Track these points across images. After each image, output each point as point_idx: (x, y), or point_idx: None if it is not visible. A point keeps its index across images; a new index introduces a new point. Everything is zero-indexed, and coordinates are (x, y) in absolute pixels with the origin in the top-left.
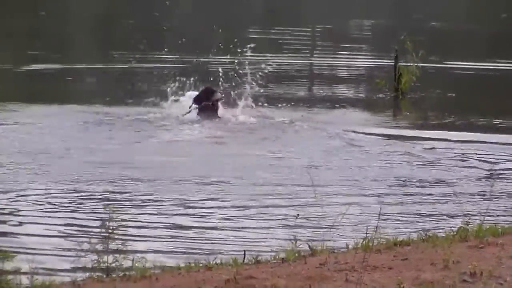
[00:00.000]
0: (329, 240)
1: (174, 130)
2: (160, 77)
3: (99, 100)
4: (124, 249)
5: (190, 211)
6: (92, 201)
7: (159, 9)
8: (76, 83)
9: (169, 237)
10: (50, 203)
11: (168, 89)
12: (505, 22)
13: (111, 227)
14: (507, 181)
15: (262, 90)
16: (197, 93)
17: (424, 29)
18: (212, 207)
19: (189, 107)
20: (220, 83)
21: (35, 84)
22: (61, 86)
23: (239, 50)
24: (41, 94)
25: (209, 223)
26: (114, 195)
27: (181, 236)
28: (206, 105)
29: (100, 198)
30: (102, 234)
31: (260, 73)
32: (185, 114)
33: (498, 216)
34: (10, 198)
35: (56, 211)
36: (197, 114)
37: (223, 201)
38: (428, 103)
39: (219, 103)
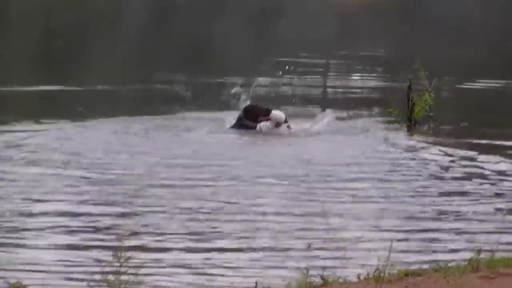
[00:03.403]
0: (342, 268)
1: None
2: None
3: None
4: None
5: (197, 237)
6: None
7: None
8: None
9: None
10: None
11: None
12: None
13: (122, 258)
14: None
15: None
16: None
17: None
18: (219, 236)
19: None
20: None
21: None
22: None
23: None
24: None
25: (220, 251)
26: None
27: (190, 264)
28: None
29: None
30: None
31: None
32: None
33: (510, 246)
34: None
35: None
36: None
37: (227, 232)
38: (440, 133)
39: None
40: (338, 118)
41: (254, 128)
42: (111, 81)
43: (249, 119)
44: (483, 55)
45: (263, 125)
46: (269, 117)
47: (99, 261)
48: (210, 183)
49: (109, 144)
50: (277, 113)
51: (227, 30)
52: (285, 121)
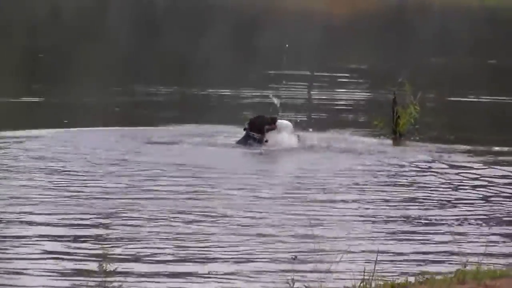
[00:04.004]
0: (328, 280)
1: None
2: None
3: None
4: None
5: (183, 248)
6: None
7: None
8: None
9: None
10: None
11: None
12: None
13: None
14: (505, 223)
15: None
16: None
17: (424, 65)
18: (205, 245)
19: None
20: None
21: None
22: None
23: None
24: None
25: (205, 261)
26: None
27: (175, 274)
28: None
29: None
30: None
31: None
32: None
33: (497, 257)
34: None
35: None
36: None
37: (213, 242)
38: (425, 146)
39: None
40: (323, 131)
41: (261, 141)
42: (95, 93)
43: (255, 131)
44: (467, 68)
45: (271, 135)
46: (275, 125)
47: (83, 272)
48: (196, 194)
49: (94, 154)
50: (284, 121)
51: (211, 44)
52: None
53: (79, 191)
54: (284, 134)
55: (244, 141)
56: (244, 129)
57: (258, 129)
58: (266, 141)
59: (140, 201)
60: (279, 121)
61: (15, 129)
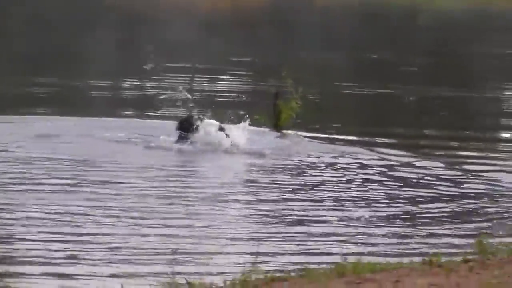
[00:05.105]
0: (208, 274)
1: None
2: None
3: None
4: None
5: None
6: None
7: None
8: None
9: None
10: None
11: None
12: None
13: None
14: (386, 218)
15: None
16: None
17: (306, 60)
18: (91, 247)
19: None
20: None
21: None
22: None
23: None
24: None
25: (87, 264)
26: None
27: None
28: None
29: None
30: None
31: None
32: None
33: (377, 254)
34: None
35: None
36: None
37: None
38: (305, 140)
39: None
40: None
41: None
42: None
43: (184, 131)
44: (349, 62)
45: (197, 136)
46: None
47: None
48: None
49: None
50: (208, 121)
51: (95, 39)
52: (221, 129)
53: None
54: (212, 133)
55: (179, 141)
56: (176, 129)
57: (186, 129)
58: (227, 135)
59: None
60: (205, 120)
61: None
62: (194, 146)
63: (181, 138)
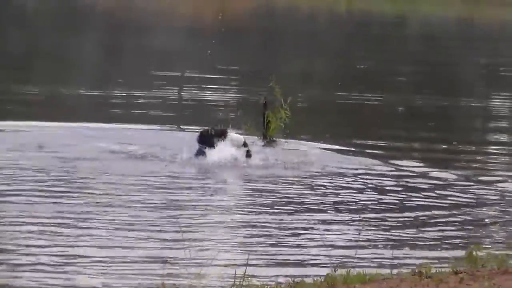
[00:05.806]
0: (198, 285)
1: None
2: None
3: None
4: None
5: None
6: None
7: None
8: None
9: None
10: None
11: None
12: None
13: None
14: (375, 228)
15: None
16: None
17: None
18: (72, 254)
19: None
20: None
21: None
22: None
23: None
24: None
25: (78, 272)
26: None
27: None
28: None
29: None
30: None
31: None
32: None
33: (366, 262)
34: None
35: None
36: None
37: (87, 242)
38: (292, 149)
39: None
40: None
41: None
42: None
43: (206, 144)
44: (336, 71)
45: (218, 150)
46: (225, 137)
47: None
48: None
49: None
50: (234, 135)
51: (83, 45)
52: (244, 145)
53: None
54: (231, 148)
55: (197, 154)
56: (197, 141)
57: (207, 143)
58: (249, 152)
59: None
60: (229, 134)
61: None
62: (212, 160)
63: (200, 153)
